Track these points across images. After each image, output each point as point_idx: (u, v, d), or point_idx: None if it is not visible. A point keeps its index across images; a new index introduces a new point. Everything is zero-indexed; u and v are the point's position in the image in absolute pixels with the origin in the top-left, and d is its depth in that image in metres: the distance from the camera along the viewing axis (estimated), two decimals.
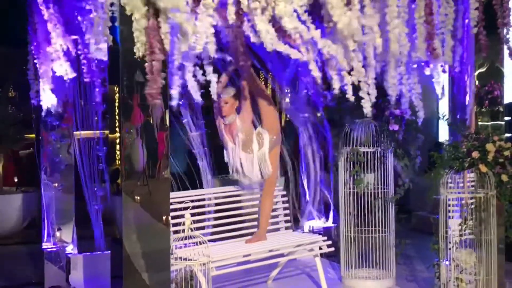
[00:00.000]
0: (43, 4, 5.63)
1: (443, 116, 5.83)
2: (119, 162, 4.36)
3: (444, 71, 5.52)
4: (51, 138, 6.33)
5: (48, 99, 6.11)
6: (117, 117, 4.15)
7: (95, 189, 6.34)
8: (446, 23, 5.13)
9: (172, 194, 4.90)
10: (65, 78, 5.78)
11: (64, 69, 5.75)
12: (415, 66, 5.24)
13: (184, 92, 4.64)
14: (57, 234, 6.24)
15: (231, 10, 4.31)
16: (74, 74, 5.76)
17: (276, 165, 6.05)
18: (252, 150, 5.77)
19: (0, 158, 9.13)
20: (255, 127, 5.90)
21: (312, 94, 7.41)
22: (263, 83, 8.91)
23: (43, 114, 6.27)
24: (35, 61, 6.03)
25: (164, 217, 4.30)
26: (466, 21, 5.45)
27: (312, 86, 7.27)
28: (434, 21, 4.96)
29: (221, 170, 7.49)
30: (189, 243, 4.75)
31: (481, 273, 5.25)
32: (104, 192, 6.38)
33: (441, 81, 5.58)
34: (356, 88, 4.77)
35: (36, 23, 5.87)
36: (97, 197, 6.34)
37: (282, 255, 5.96)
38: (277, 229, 6.26)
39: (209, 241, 5.11)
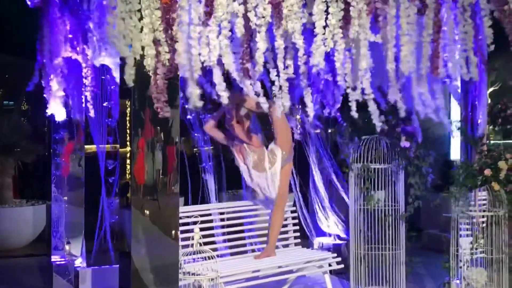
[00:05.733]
0: (56, 16, 5.66)
1: (456, 126, 5.77)
2: (129, 176, 4.36)
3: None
4: (62, 152, 6.33)
5: (60, 113, 6.12)
6: (128, 131, 4.13)
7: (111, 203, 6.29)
8: (467, 41, 5.07)
9: (180, 209, 4.88)
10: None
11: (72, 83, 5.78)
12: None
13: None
14: (66, 247, 6.23)
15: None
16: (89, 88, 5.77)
17: (287, 181, 6.04)
18: (265, 168, 5.80)
19: (11, 170, 9.14)
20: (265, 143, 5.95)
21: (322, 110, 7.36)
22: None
23: (55, 127, 6.28)
24: (49, 74, 6.04)
25: (173, 232, 4.29)
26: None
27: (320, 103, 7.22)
28: (440, 39, 4.91)
29: (229, 185, 7.47)
30: (198, 258, 4.73)
31: None
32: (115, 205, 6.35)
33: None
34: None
35: (46, 36, 5.88)
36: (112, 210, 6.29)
37: (291, 272, 5.92)
38: (287, 245, 6.23)
39: (218, 256, 5.08)
